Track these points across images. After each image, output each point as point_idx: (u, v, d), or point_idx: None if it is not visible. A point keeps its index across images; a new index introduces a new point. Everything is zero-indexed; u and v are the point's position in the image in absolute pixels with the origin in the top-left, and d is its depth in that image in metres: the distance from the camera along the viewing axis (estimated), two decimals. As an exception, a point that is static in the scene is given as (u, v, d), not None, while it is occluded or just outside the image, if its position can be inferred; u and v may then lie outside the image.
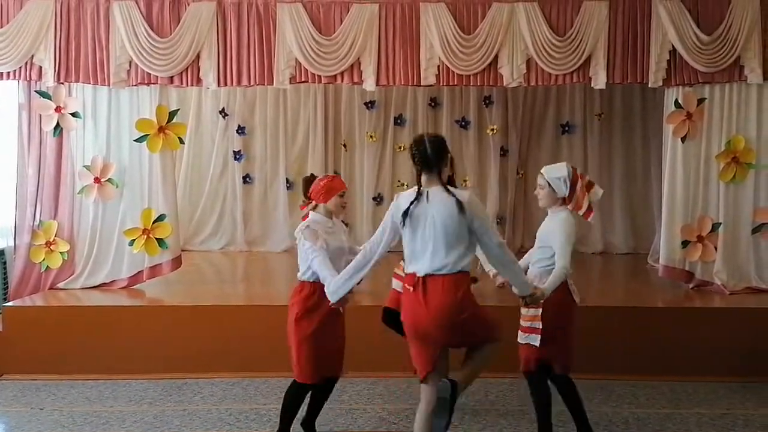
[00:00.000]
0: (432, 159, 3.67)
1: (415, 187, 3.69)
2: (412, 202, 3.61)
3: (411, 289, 3.61)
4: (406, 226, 3.64)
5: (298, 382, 4.50)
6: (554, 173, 4.46)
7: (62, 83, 6.99)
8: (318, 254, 4.18)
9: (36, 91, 7.04)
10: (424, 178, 3.68)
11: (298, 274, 4.43)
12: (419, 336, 3.68)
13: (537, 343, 4.22)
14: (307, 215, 4.49)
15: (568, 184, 4.41)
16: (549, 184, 4.43)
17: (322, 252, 4.19)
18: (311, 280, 4.32)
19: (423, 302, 3.59)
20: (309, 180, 4.57)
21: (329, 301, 4.05)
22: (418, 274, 3.62)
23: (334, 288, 3.95)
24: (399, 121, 10.43)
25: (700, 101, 6.97)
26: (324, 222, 4.40)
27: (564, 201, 4.44)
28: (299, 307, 4.34)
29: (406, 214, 3.61)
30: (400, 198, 3.73)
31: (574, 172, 4.46)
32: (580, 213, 4.48)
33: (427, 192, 3.64)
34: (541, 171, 4.53)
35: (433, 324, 3.60)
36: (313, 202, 4.45)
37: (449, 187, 3.67)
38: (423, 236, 3.60)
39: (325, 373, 4.45)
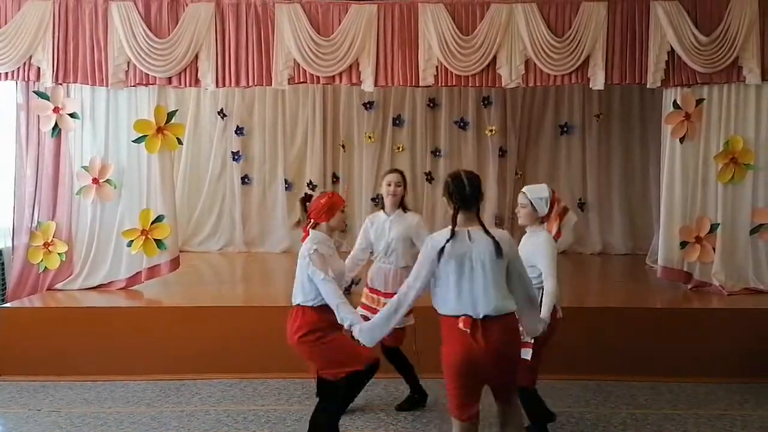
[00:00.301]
0: (471, 197, 3.61)
1: (448, 228, 3.60)
2: (447, 240, 3.53)
3: (468, 330, 3.49)
4: (448, 267, 3.53)
5: (353, 372, 4.20)
6: (537, 194, 4.53)
7: (60, 84, 6.99)
8: (330, 283, 4.11)
9: (34, 92, 7.04)
10: (461, 217, 3.60)
11: (299, 299, 4.28)
12: (469, 374, 3.58)
13: (529, 357, 4.21)
14: (306, 233, 4.37)
15: (548, 205, 4.50)
16: (531, 204, 4.50)
17: (333, 281, 4.14)
18: (316, 305, 4.22)
19: (481, 342, 3.49)
20: (307, 199, 4.47)
21: (333, 324, 4.12)
22: (474, 317, 3.51)
23: (370, 335, 3.81)
24: (398, 121, 10.43)
25: (699, 102, 6.98)
26: (327, 242, 4.34)
27: (542, 220, 4.53)
28: (307, 328, 4.22)
29: (441, 252, 3.51)
30: (433, 239, 3.63)
31: (553, 194, 4.56)
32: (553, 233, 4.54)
33: (468, 232, 3.57)
34: (523, 190, 4.60)
35: (492, 363, 3.53)
36: (312, 221, 4.35)
37: (487, 227, 3.62)
38: (472, 277, 3.52)
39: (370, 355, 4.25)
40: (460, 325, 3.49)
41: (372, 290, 5.20)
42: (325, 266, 4.16)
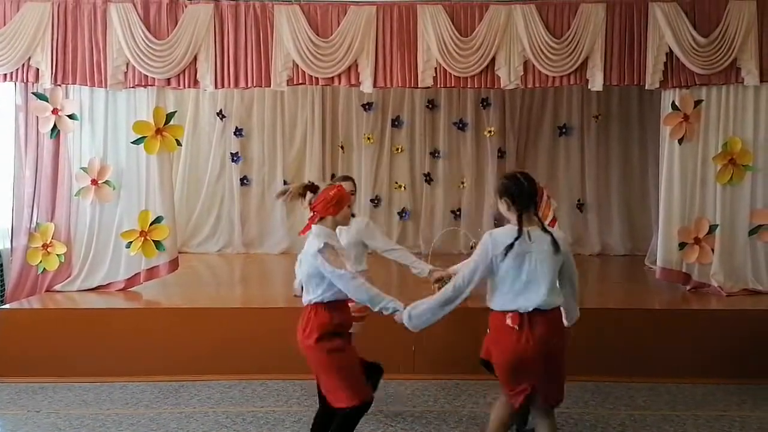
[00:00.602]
0: (530, 196, 3.76)
1: (509, 225, 3.74)
2: (516, 239, 3.64)
3: (516, 327, 3.63)
4: (508, 264, 3.65)
5: (350, 408, 3.88)
6: None
7: (59, 85, 6.99)
8: (352, 278, 3.86)
9: (33, 93, 7.03)
10: (524, 216, 3.72)
11: (309, 297, 3.97)
12: (519, 370, 3.70)
13: None
14: (308, 228, 4.10)
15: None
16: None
17: (354, 275, 3.91)
18: (327, 301, 3.93)
19: (528, 336, 3.63)
20: (310, 189, 4.12)
21: (348, 325, 4.00)
22: (521, 311, 3.65)
23: (419, 322, 3.81)
24: (396, 122, 10.44)
25: (697, 103, 6.99)
26: (334, 237, 4.07)
27: None
28: (319, 331, 3.90)
29: (509, 248, 3.63)
30: (495, 236, 3.73)
31: (538, 185, 4.56)
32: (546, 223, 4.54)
33: (528, 231, 3.69)
34: None
35: (539, 357, 3.65)
36: (316, 214, 4.05)
37: (546, 226, 3.77)
38: (528, 274, 3.66)
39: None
40: (508, 321, 3.65)
41: None
42: (340, 261, 3.93)
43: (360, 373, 3.99)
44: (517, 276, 3.66)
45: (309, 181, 4.26)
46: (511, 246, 3.62)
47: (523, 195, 3.73)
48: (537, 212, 3.82)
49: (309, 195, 4.14)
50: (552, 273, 3.69)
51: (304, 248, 4.05)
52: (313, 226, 4.05)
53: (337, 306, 3.96)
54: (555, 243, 3.68)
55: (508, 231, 3.71)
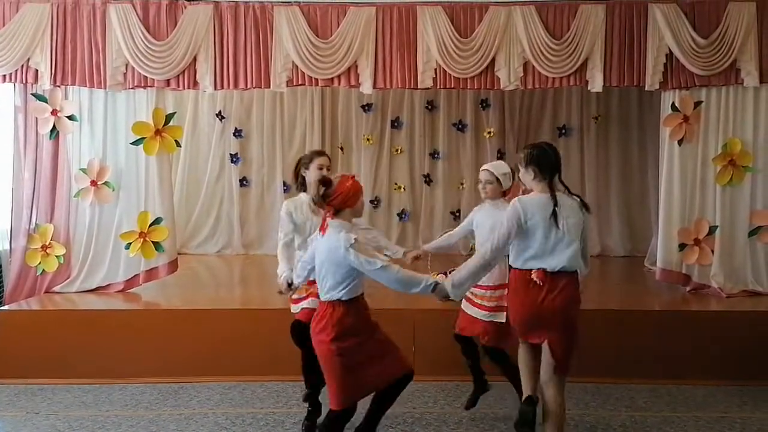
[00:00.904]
0: (556, 165, 4.05)
1: (534, 193, 4.03)
2: (555, 206, 3.93)
3: (540, 282, 3.93)
4: (536, 226, 3.93)
5: (333, 411, 3.92)
6: (501, 169, 4.92)
7: (58, 86, 6.98)
8: (390, 267, 3.76)
9: (32, 94, 7.02)
10: (547, 183, 4.02)
11: (329, 294, 3.85)
12: (533, 322, 4.02)
13: (504, 320, 4.66)
14: (325, 223, 3.93)
15: (511, 179, 4.93)
16: (498, 179, 4.88)
17: (390, 264, 3.80)
18: (345, 299, 3.84)
19: (548, 293, 3.94)
20: (327, 183, 3.94)
21: (366, 317, 3.93)
22: (548, 270, 3.94)
23: (461, 289, 3.96)
24: (396, 124, 10.44)
25: (697, 104, 6.99)
26: (354, 229, 3.96)
27: (505, 194, 4.93)
28: (337, 330, 3.81)
29: (554, 216, 3.91)
30: (524, 202, 3.99)
31: (511, 168, 4.91)
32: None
33: (556, 197, 3.99)
34: (488, 168, 4.97)
35: (555, 314, 3.95)
36: (332, 208, 3.92)
37: (570, 191, 4.10)
38: (556, 236, 3.94)
39: (360, 394, 3.96)
40: (533, 276, 3.94)
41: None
42: (372, 253, 3.85)
43: (364, 374, 3.87)
44: (547, 238, 3.93)
45: (322, 176, 4.19)
46: (554, 214, 3.90)
47: (549, 163, 4.02)
48: (561, 178, 4.07)
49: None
50: (577, 236, 3.99)
51: (315, 246, 3.97)
52: (330, 220, 3.91)
53: (356, 302, 3.89)
54: (584, 205, 4.04)
55: (535, 197, 3.99)
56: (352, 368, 3.86)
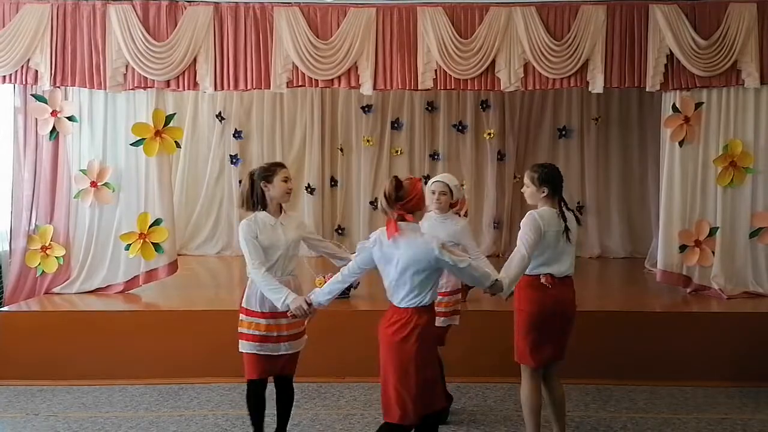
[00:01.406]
0: (562, 184, 4.45)
1: (547, 207, 4.34)
2: (566, 221, 4.31)
3: (550, 286, 4.27)
4: (549, 237, 4.24)
5: (393, 425, 3.65)
6: (453, 181, 5.00)
7: (58, 87, 6.97)
8: (471, 263, 3.74)
9: (32, 95, 7.02)
10: (555, 199, 4.37)
11: (414, 300, 3.63)
12: (544, 324, 4.28)
13: (458, 323, 5.07)
14: (396, 228, 3.61)
15: (459, 191, 5.06)
16: (451, 191, 4.94)
17: (470, 262, 3.77)
18: (428, 303, 3.68)
19: (555, 296, 4.28)
20: (398, 185, 3.66)
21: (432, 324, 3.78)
22: (556, 275, 4.30)
23: (510, 288, 4.07)
24: (396, 125, 10.43)
25: (698, 105, 6.98)
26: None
27: (452, 206, 5.00)
28: (423, 336, 3.62)
29: (566, 230, 4.30)
30: (542, 214, 4.28)
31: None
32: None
33: (563, 211, 4.40)
34: (440, 179, 4.99)
35: (562, 314, 4.32)
36: (403, 213, 3.66)
37: (568, 205, 4.45)
38: (562, 246, 4.31)
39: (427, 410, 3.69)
40: (543, 280, 4.27)
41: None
42: (458, 251, 3.97)
43: (436, 388, 3.74)
44: (554, 247, 4.28)
45: (395, 178, 3.75)
46: (566, 229, 4.30)
47: (560, 182, 4.42)
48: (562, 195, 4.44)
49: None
50: (574, 246, 4.39)
51: (381, 253, 3.70)
52: (404, 224, 3.65)
53: (433, 307, 3.79)
54: (577, 219, 4.44)
55: (548, 211, 4.32)
56: (431, 381, 3.68)
